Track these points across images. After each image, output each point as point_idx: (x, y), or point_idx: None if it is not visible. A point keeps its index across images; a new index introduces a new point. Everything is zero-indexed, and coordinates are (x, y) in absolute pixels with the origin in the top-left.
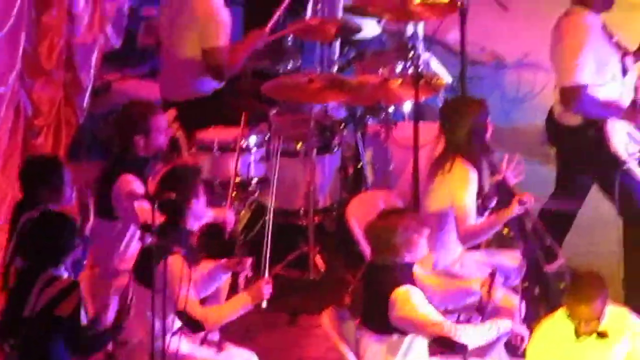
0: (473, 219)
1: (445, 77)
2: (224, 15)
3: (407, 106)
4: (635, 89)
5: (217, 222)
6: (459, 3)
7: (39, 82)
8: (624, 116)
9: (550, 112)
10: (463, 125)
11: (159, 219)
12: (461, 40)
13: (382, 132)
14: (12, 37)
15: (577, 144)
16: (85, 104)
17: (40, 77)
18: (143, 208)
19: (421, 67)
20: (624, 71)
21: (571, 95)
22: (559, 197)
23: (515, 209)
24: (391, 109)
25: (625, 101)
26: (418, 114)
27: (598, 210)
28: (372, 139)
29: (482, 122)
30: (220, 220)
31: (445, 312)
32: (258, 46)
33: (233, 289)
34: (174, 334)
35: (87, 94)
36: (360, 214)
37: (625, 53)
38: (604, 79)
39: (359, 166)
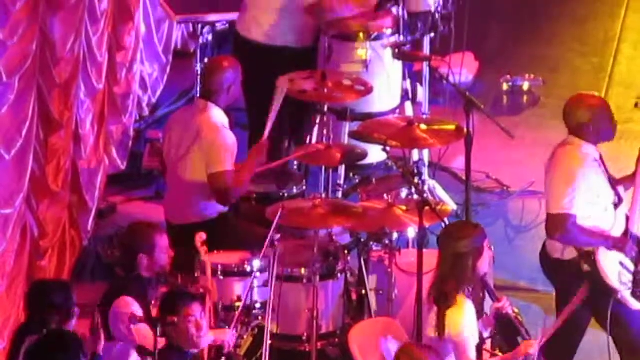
0: (472, 351)
1: (450, 204)
2: (230, 139)
3: (412, 233)
4: (627, 219)
5: (216, 343)
6: (464, 130)
7: (45, 203)
8: (615, 245)
9: (544, 246)
10: (457, 248)
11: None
12: (466, 167)
13: (386, 258)
14: (20, 158)
15: (571, 277)
16: (90, 226)
17: (46, 198)
18: (140, 330)
19: (426, 193)
20: (619, 201)
21: (558, 223)
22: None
23: (520, 355)
24: (395, 235)
25: (617, 231)
26: (422, 240)
27: (597, 338)
28: (376, 265)
29: (478, 246)
30: (219, 342)
31: None
32: (261, 161)
33: None
34: None
35: (92, 216)
36: (363, 340)
37: (621, 182)
38: (596, 211)
39: (362, 292)
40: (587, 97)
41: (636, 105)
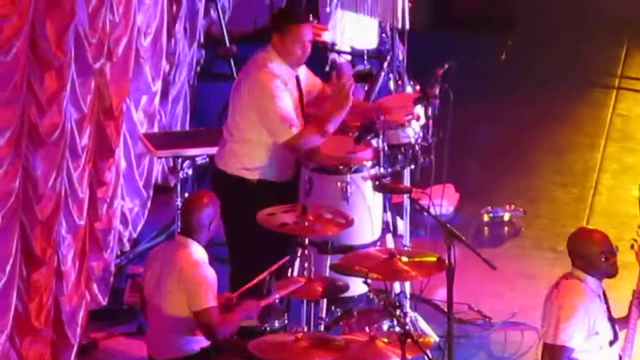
0: None
1: (433, 336)
2: (210, 276)
3: None
4: (619, 358)
5: None
6: (446, 262)
7: (28, 340)
8: None
9: None
10: None
11: None
12: (448, 299)
13: None
14: (3, 295)
15: None
16: None
17: (29, 335)
18: None
19: (408, 326)
20: (615, 339)
21: (553, 354)
22: None
23: None
24: None
25: None
26: None
27: None
28: None
29: None
30: None
31: None
32: (250, 317)
33: None
34: None
35: (74, 353)
36: None
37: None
38: (591, 347)
39: None
40: (593, 232)
41: (632, 247)
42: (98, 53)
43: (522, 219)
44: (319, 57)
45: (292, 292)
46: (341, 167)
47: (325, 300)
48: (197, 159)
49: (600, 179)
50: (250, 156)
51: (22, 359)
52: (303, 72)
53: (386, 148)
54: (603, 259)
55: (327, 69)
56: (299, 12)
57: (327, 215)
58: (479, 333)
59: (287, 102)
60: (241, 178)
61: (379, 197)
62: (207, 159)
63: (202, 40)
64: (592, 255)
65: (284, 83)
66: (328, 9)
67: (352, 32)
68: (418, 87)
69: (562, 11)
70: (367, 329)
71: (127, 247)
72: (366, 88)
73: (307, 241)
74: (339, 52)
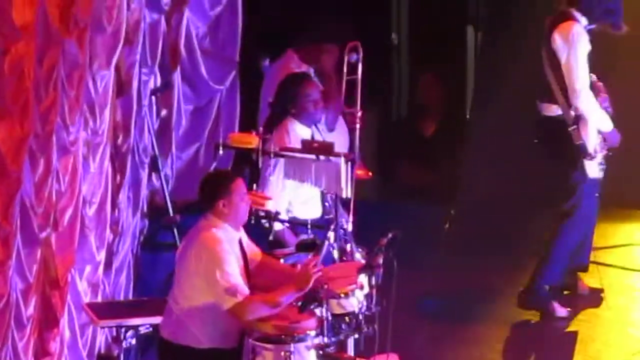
0: None
1: None
2: None
3: None
4: None
5: None
6: None
7: None
8: None
9: None
10: None
11: None
12: None
13: None
14: None
15: None
16: None
17: None
18: None
19: None
20: None
21: None
22: None
23: None
24: None
25: None
26: None
27: None
28: None
29: None
30: None
31: None
32: None
33: None
34: None
35: None
36: None
37: None
38: None
39: None
40: None
41: None
42: (44, 223)
43: None
44: (262, 227)
45: None
46: (284, 336)
47: None
48: (140, 328)
49: None
50: (197, 323)
51: None
52: (245, 238)
53: (330, 317)
54: None
55: (270, 237)
56: (227, 171)
57: None
58: None
59: (234, 267)
60: (188, 347)
61: None
62: (151, 329)
63: (145, 209)
64: None
65: (230, 247)
66: (271, 178)
67: (295, 201)
68: (362, 256)
69: (505, 179)
70: None
71: None
72: (310, 257)
73: None
74: (282, 222)
